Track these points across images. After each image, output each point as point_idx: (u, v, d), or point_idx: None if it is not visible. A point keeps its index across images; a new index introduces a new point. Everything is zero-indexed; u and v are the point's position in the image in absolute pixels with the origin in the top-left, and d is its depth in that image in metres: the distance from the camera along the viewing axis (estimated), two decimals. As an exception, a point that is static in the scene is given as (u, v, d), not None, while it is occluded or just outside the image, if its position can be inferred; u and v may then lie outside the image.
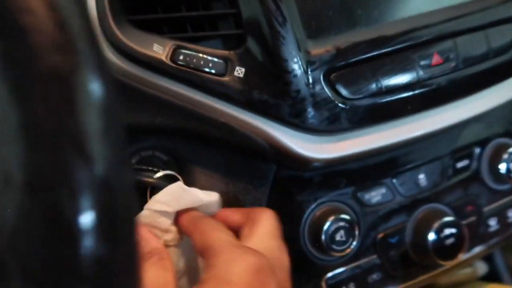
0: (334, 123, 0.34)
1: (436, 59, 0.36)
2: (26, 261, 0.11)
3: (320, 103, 0.34)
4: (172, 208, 0.31)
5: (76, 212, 0.12)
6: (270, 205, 0.38)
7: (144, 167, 0.35)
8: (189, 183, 0.35)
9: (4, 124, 0.10)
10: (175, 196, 0.31)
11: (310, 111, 0.33)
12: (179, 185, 0.32)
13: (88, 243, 0.12)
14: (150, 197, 0.32)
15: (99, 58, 0.12)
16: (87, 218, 0.12)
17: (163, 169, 0.37)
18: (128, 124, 0.35)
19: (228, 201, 0.38)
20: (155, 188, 0.33)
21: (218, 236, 0.29)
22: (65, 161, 0.12)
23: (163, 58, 0.33)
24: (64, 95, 0.11)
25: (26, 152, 0.11)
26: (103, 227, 0.12)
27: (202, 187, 0.34)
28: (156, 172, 0.34)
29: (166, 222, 0.31)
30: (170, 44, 0.33)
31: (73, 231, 0.12)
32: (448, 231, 0.39)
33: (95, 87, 0.12)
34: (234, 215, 0.33)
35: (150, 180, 0.33)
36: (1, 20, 0.11)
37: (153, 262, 0.29)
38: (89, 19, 0.12)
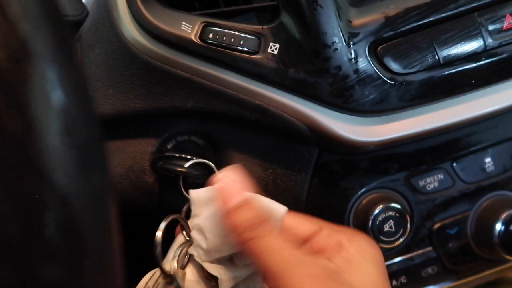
0: (382, 103, 0.30)
1: (509, 22, 0.30)
2: None
3: (365, 80, 0.30)
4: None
5: None
6: (311, 191, 0.36)
7: (177, 155, 0.33)
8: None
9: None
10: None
11: (354, 90, 0.30)
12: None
13: None
14: (183, 186, 0.31)
15: None
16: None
17: (199, 154, 0.35)
18: (161, 108, 0.34)
19: (267, 188, 0.35)
20: (187, 177, 0.32)
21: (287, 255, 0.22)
22: None
23: (192, 37, 0.31)
24: None
25: None
26: None
27: None
28: (188, 159, 0.32)
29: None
30: (199, 22, 0.31)
31: None
32: (519, 222, 0.34)
33: None
34: (306, 224, 0.25)
35: (181, 169, 0.31)
36: None
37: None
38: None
